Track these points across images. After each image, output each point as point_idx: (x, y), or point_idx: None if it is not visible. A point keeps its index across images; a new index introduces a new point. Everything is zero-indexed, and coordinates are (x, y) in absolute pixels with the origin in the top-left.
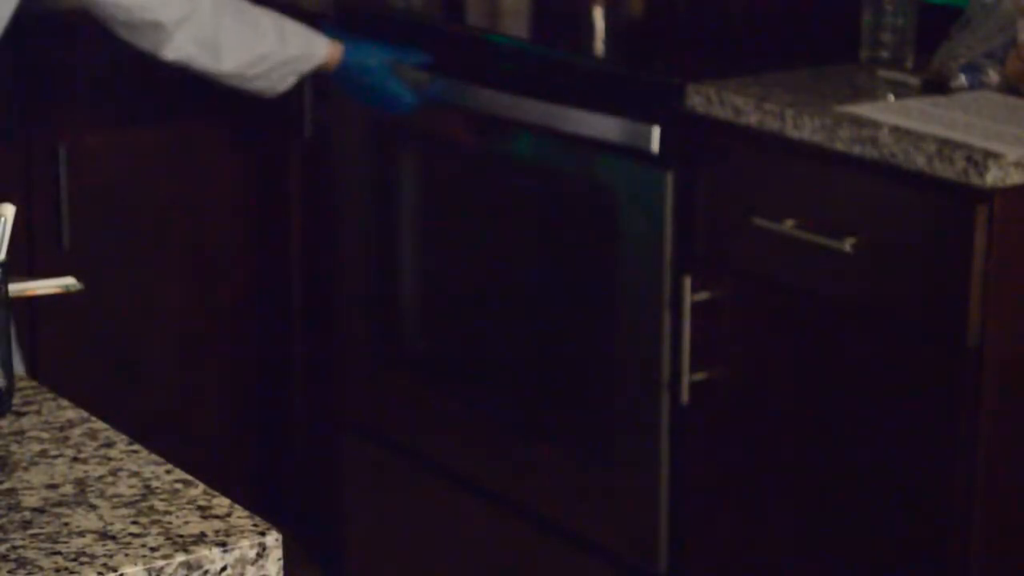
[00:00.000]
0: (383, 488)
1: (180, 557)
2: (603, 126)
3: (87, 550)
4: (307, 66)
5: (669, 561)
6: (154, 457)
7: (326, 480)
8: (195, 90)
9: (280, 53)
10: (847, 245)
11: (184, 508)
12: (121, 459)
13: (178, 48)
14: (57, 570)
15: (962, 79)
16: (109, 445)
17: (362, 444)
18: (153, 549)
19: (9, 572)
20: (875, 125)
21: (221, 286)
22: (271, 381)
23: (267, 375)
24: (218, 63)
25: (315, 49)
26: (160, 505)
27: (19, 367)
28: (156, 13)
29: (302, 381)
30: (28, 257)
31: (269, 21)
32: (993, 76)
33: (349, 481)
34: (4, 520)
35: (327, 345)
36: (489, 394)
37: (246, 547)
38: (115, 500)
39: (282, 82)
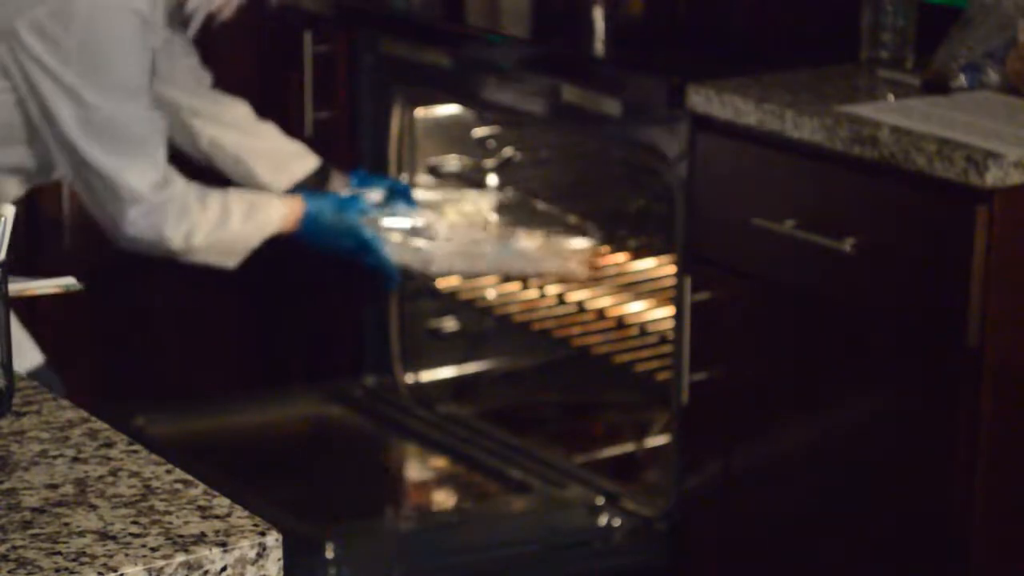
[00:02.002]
0: None
1: (180, 557)
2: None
3: (87, 550)
4: (267, 232)
5: (671, 560)
6: (154, 457)
7: None
8: None
9: (240, 229)
10: (847, 245)
11: (184, 508)
12: (121, 459)
13: (136, 226)
14: (57, 570)
15: (962, 79)
16: (109, 445)
17: None
18: (153, 549)
19: (9, 572)
20: (875, 125)
21: (222, 288)
22: (272, 381)
23: (268, 375)
24: (184, 243)
25: (272, 221)
26: (160, 505)
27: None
28: (126, 187)
29: (303, 384)
30: (29, 257)
31: (234, 198)
32: (993, 76)
33: None
34: (4, 520)
35: (328, 348)
36: None
37: (246, 547)
38: (115, 500)
39: (233, 257)
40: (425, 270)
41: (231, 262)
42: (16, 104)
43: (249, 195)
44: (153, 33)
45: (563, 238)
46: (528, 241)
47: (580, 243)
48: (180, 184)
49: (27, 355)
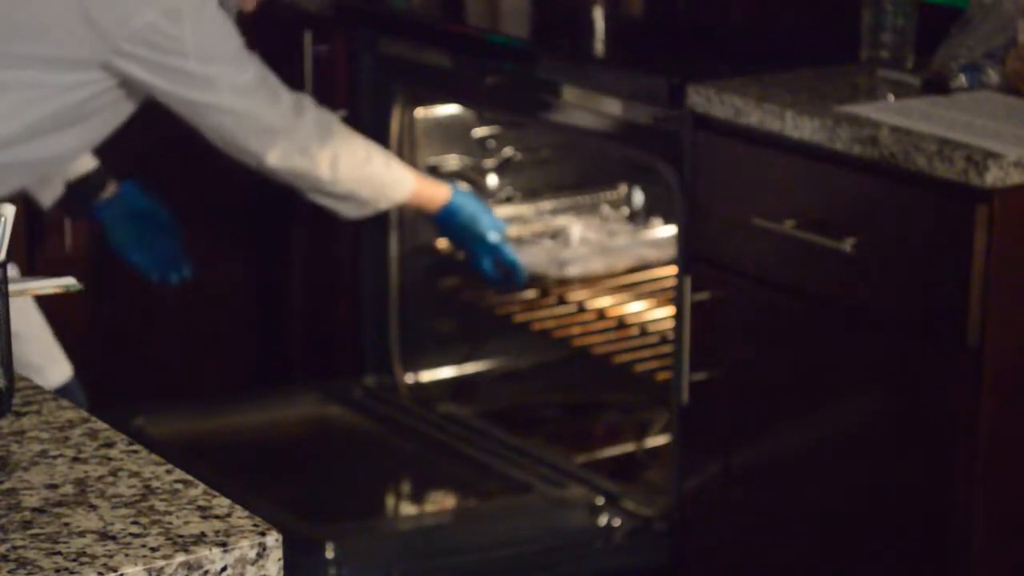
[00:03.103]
0: None
1: (180, 557)
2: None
3: (87, 550)
4: (398, 196)
5: (671, 560)
6: (154, 457)
7: None
8: None
9: (382, 176)
10: (847, 245)
11: (184, 508)
12: (121, 459)
13: (283, 156)
14: (57, 570)
15: (962, 79)
16: (109, 445)
17: None
18: (153, 549)
19: (9, 572)
20: (875, 125)
21: (222, 284)
22: (272, 381)
23: (268, 374)
24: (330, 170)
25: (406, 182)
26: (160, 505)
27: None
28: (264, 120)
29: (303, 384)
30: (29, 257)
31: (375, 146)
32: (993, 76)
33: None
34: (4, 520)
35: (328, 347)
36: None
37: (246, 547)
38: (115, 500)
39: (365, 207)
40: (562, 274)
41: (363, 210)
42: (119, 86)
43: (391, 155)
44: None
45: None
46: (660, 229)
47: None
48: (314, 107)
49: (61, 368)
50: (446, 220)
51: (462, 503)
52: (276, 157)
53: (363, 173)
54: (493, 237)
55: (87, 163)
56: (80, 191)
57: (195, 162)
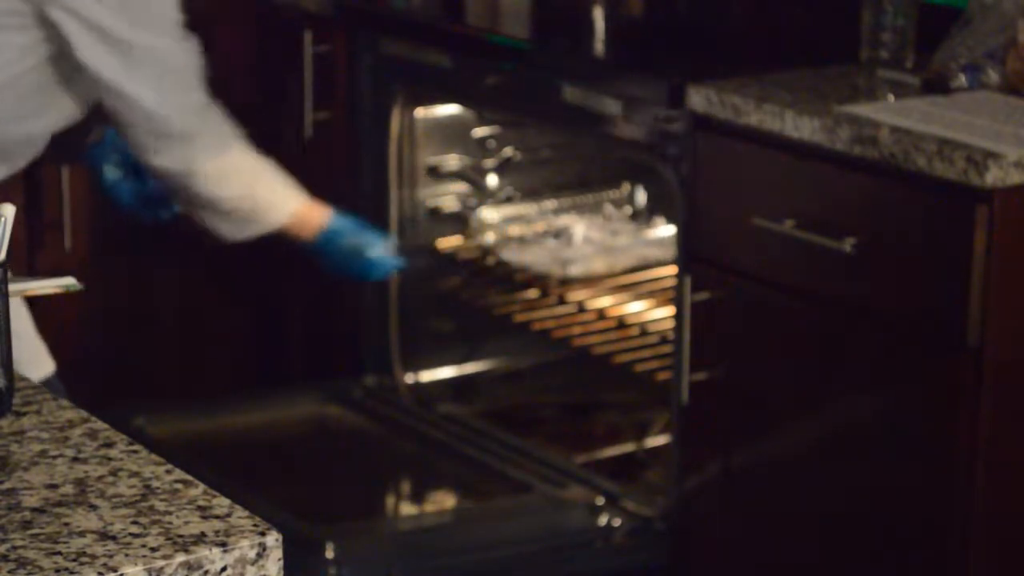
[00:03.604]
0: None
1: (180, 557)
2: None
3: (87, 550)
4: (276, 218)
5: (671, 560)
6: (154, 457)
7: None
8: None
9: (267, 197)
10: (847, 245)
11: (184, 508)
12: (121, 459)
13: (172, 159)
14: (57, 570)
15: (962, 79)
16: (109, 445)
17: None
18: (153, 549)
19: (9, 572)
20: (875, 125)
21: (222, 288)
22: (272, 381)
23: (268, 374)
24: (215, 184)
25: (290, 202)
26: (160, 505)
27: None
28: (166, 118)
29: (303, 384)
30: (29, 257)
31: (267, 165)
32: (993, 76)
33: None
34: (4, 520)
35: (328, 347)
36: None
37: (246, 547)
38: (115, 500)
39: (243, 227)
40: (565, 273)
41: (241, 231)
42: (49, 61)
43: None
44: None
45: None
46: (663, 228)
47: None
48: (219, 117)
49: (43, 364)
50: (326, 245)
51: (462, 503)
52: (165, 158)
53: (247, 192)
54: (377, 251)
55: None
56: (67, 137)
57: None
